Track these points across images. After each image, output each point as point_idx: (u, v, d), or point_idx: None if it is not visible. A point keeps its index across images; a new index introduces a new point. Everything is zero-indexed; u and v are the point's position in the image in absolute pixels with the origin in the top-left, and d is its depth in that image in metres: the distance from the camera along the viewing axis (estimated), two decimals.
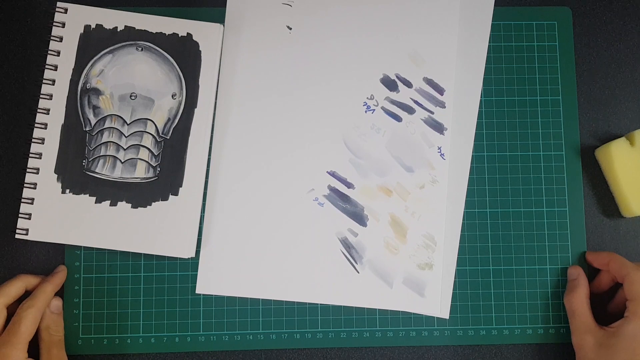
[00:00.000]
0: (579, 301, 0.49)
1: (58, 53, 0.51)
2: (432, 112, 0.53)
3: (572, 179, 0.53)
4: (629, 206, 0.51)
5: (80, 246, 0.51)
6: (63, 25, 0.52)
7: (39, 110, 0.51)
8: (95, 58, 0.51)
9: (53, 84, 0.51)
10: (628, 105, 0.54)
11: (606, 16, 0.55)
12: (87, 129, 0.51)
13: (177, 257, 0.51)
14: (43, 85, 0.51)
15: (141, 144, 0.51)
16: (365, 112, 0.53)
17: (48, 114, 0.51)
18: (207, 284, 0.51)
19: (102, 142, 0.51)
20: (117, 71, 0.51)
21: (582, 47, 0.55)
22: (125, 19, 0.52)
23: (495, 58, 0.54)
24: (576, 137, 0.53)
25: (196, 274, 0.51)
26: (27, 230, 0.50)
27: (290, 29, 0.53)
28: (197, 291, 0.51)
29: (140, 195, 0.50)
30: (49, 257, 0.51)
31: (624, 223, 0.53)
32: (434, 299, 0.51)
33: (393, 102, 0.53)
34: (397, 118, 0.53)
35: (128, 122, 0.51)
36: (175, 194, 0.50)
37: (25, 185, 0.50)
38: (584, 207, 0.53)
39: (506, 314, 0.51)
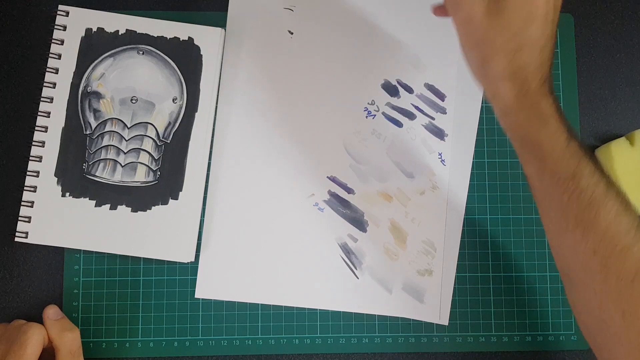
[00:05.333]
0: None
1: (59, 56, 0.51)
2: (433, 118, 0.53)
3: None
4: None
5: (80, 250, 0.51)
6: (64, 28, 0.52)
7: (39, 113, 0.51)
8: (96, 61, 0.51)
9: (54, 87, 0.51)
10: (628, 105, 0.54)
11: (608, 21, 0.55)
12: (88, 132, 0.51)
13: (176, 262, 0.51)
14: (44, 88, 0.51)
15: (142, 147, 0.51)
16: (366, 117, 0.53)
17: (49, 117, 0.51)
18: (207, 288, 0.51)
19: (102, 145, 0.51)
20: (118, 75, 0.51)
21: (583, 49, 0.55)
22: (127, 22, 0.52)
23: None
24: None
25: (195, 279, 0.51)
26: (26, 233, 0.50)
27: (292, 33, 0.53)
28: (197, 295, 0.51)
29: (140, 199, 0.50)
30: (48, 260, 0.51)
31: None
32: (434, 305, 0.51)
33: (394, 107, 0.53)
34: (398, 124, 0.53)
35: (129, 126, 0.51)
36: (176, 198, 0.50)
37: (25, 188, 0.50)
38: None
39: (506, 320, 0.51)
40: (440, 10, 0.45)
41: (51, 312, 0.48)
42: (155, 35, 0.52)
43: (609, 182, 0.38)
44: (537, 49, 0.39)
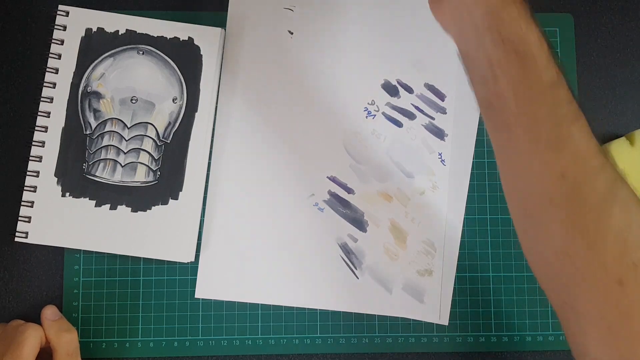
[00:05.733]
0: None
1: (59, 56, 0.51)
2: (432, 118, 0.53)
3: None
4: None
5: (80, 250, 0.51)
6: (64, 28, 0.52)
7: (39, 113, 0.51)
8: (96, 61, 0.51)
9: (54, 87, 0.51)
10: (628, 105, 0.54)
11: (608, 21, 0.55)
12: (88, 132, 0.51)
13: (176, 262, 0.51)
14: (44, 88, 0.51)
15: (141, 147, 0.51)
16: (366, 117, 0.53)
17: (49, 117, 0.51)
18: (207, 288, 0.51)
19: (102, 145, 0.51)
20: (118, 75, 0.51)
21: (583, 49, 0.55)
22: (127, 22, 0.52)
23: None
24: None
25: (195, 279, 0.51)
26: (26, 233, 0.50)
27: (292, 33, 0.53)
28: (197, 295, 0.51)
29: (140, 199, 0.50)
30: (48, 260, 0.51)
31: None
32: (434, 305, 0.51)
33: (394, 107, 0.53)
34: (398, 124, 0.53)
35: (129, 126, 0.51)
36: (176, 198, 0.50)
37: (25, 188, 0.50)
38: None
39: (506, 320, 0.51)
40: None
41: (49, 313, 0.48)
42: (155, 35, 0.52)
43: (578, 101, 0.35)
44: None
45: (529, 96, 0.35)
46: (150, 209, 0.50)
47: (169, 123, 0.51)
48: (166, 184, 0.51)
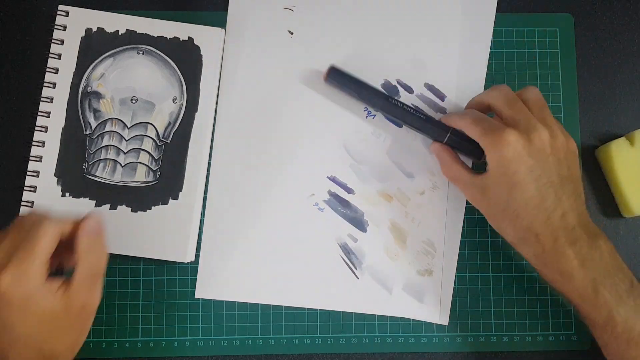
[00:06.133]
0: (453, 169, 0.48)
1: (59, 56, 0.51)
2: None
3: None
4: (629, 206, 0.50)
5: None
6: (64, 28, 0.52)
7: (39, 113, 0.51)
8: (96, 61, 0.51)
9: (54, 87, 0.51)
10: (628, 105, 0.54)
11: (608, 21, 0.55)
12: (88, 132, 0.51)
13: (176, 261, 0.51)
14: (44, 88, 0.51)
15: (141, 147, 0.51)
16: (366, 117, 0.53)
17: (49, 117, 0.51)
18: (207, 288, 0.51)
19: (102, 145, 0.51)
20: (118, 75, 0.51)
21: (583, 49, 0.55)
22: (127, 22, 0.52)
23: (497, 64, 0.54)
24: (576, 137, 0.53)
25: (195, 278, 0.51)
26: None
27: (292, 33, 0.53)
28: (197, 295, 0.51)
29: (140, 199, 0.50)
30: None
31: (624, 223, 0.53)
32: (434, 305, 0.51)
33: None
34: (398, 124, 0.53)
35: (129, 126, 0.51)
36: (176, 198, 0.50)
37: (25, 188, 0.50)
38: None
39: (506, 320, 0.51)
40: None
41: (91, 224, 0.41)
42: (155, 35, 0.52)
43: None
44: (537, 210, 0.42)
45: (589, 326, 0.44)
46: (150, 209, 0.50)
47: (169, 123, 0.51)
48: (166, 184, 0.51)
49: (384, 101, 0.50)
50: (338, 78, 0.51)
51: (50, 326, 0.39)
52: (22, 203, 0.50)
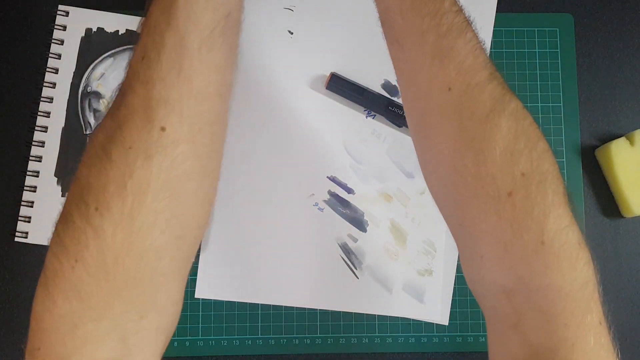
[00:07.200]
0: None
1: (59, 56, 0.51)
2: None
3: (572, 179, 0.53)
4: (629, 206, 0.51)
5: None
6: (64, 28, 0.52)
7: (39, 113, 0.51)
8: (96, 61, 0.51)
9: (54, 87, 0.51)
10: (628, 105, 0.54)
11: (608, 21, 0.55)
12: (88, 132, 0.51)
13: None
14: (44, 88, 0.51)
15: None
16: (366, 117, 0.53)
17: (49, 117, 0.51)
18: (207, 288, 0.51)
19: None
20: (118, 75, 0.51)
21: (583, 49, 0.55)
22: (127, 22, 0.52)
23: (497, 64, 0.53)
24: (576, 137, 0.53)
25: (195, 279, 0.51)
26: (26, 233, 0.50)
27: (292, 33, 0.53)
28: (197, 295, 0.51)
29: None
30: None
31: (624, 223, 0.53)
32: (434, 305, 0.51)
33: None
34: (398, 124, 0.53)
35: None
36: None
37: (25, 188, 0.50)
38: (584, 207, 0.53)
39: None
40: None
41: None
42: None
43: (467, 17, 0.35)
44: None
45: (413, 8, 0.34)
46: None
47: None
48: None
49: (384, 109, 0.51)
50: (339, 85, 0.51)
51: None
52: (22, 203, 0.50)
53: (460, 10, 0.34)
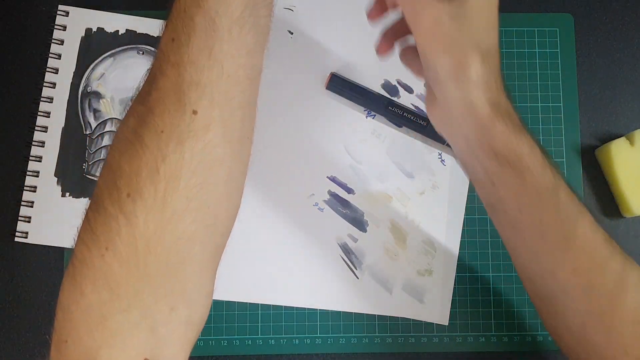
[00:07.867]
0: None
1: (59, 56, 0.51)
2: None
3: (572, 179, 0.53)
4: (629, 206, 0.50)
5: None
6: (64, 28, 0.52)
7: (39, 113, 0.51)
8: (96, 61, 0.51)
9: (54, 87, 0.51)
10: (628, 105, 0.54)
11: (608, 21, 0.55)
12: (88, 132, 0.51)
13: None
14: (44, 88, 0.51)
15: None
16: (366, 117, 0.53)
17: (49, 117, 0.51)
18: None
19: (102, 145, 0.51)
20: (118, 75, 0.51)
21: (583, 49, 0.55)
22: (127, 22, 0.52)
23: None
24: (576, 137, 0.53)
25: None
26: (26, 233, 0.50)
27: (292, 33, 0.53)
28: None
29: None
30: (48, 260, 0.51)
31: (624, 223, 0.53)
32: (434, 305, 0.51)
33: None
34: (398, 124, 0.53)
35: None
36: None
37: (25, 188, 0.50)
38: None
39: (506, 321, 0.51)
40: (377, 13, 0.41)
41: None
42: (156, 35, 0.52)
43: (579, 196, 0.37)
44: (498, 56, 0.36)
45: (530, 202, 0.36)
46: None
47: None
48: None
49: (384, 109, 0.51)
50: (339, 85, 0.51)
51: None
52: (22, 203, 0.50)
53: (573, 195, 0.36)
